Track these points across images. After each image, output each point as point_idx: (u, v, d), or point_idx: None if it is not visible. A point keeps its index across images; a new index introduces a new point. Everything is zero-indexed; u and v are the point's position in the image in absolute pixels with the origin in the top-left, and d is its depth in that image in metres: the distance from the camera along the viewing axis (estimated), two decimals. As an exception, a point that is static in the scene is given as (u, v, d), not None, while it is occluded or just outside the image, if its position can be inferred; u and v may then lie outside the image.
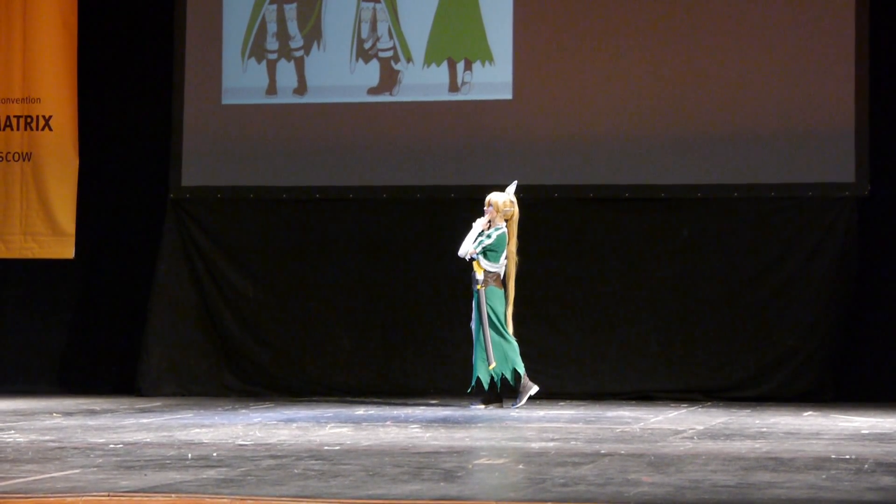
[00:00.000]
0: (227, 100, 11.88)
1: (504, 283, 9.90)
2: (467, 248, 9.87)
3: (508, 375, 9.82)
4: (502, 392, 9.93)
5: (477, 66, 11.57)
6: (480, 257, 9.85)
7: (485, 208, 9.97)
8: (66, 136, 11.93)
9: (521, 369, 9.83)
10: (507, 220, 9.95)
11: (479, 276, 9.83)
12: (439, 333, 11.26)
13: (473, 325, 9.90)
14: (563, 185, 11.41)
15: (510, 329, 9.85)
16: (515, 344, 9.84)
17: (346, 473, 5.63)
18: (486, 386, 9.83)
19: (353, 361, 11.63)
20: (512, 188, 10.02)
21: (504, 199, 9.95)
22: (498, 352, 9.76)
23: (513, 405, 9.84)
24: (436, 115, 11.62)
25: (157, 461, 6.12)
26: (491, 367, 9.74)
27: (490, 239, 9.85)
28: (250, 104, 11.85)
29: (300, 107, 11.80)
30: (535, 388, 9.89)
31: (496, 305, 9.82)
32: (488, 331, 9.76)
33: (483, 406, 9.90)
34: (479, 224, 9.92)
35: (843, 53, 11.01)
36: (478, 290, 9.81)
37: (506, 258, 9.91)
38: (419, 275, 11.48)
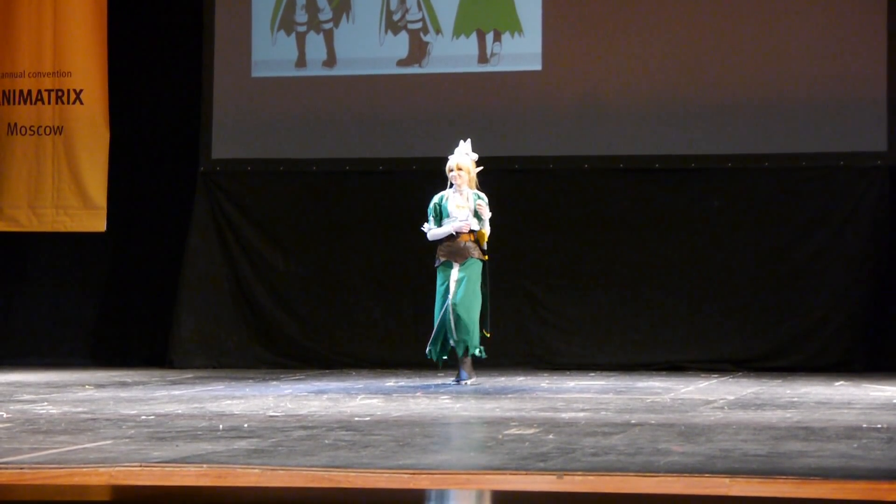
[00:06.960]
0: (256, 73, 11.89)
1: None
2: (460, 224, 9.30)
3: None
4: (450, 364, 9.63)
5: (506, 37, 11.53)
6: (484, 227, 9.33)
7: (454, 174, 9.34)
8: (96, 110, 11.95)
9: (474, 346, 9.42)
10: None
11: (485, 246, 9.41)
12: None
13: (460, 297, 9.25)
14: (593, 155, 11.39)
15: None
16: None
17: (377, 444, 5.64)
18: (479, 354, 9.39)
19: (383, 333, 11.65)
20: (467, 147, 9.49)
21: (471, 164, 9.39)
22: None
23: (460, 379, 9.43)
24: (465, 87, 11.60)
25: (188, 432, 6.15)
26: (488, 336, 9.42)
27: (486, 208, 9.30)
28: (280, 77, 11.85)
29: (329, 79, 11.80)
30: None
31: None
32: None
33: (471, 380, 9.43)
34: (452, 202, 9.36)
35: (876, 21, 10.93)
36: (485, 260, 9.40)
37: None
38: (449, 246, 11.45)
